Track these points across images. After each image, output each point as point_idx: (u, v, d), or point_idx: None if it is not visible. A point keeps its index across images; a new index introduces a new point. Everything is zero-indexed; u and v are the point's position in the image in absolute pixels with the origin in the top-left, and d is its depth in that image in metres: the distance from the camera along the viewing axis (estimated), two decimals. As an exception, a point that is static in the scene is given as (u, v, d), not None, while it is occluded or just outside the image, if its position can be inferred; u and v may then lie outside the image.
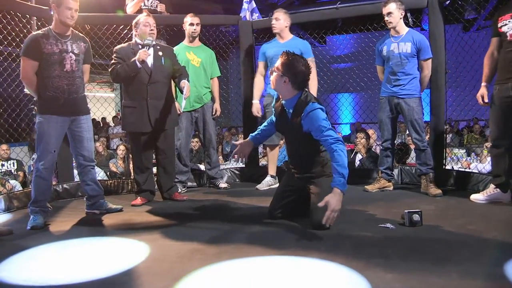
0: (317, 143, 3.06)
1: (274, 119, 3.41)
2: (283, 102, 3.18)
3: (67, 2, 3.36)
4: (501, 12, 3.58)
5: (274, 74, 3.06)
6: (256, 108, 4.69)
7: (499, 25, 3.53)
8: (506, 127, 3.61)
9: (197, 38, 4.81)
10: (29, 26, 4.37)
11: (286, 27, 4.59)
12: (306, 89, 3.12)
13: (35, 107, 3.65)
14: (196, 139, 6.98)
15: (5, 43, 4.28)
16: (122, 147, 7.03)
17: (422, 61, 4.18)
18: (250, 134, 3.56)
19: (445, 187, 4.34)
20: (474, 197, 3.78)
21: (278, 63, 3.04)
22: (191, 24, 4.69)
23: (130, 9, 5.25)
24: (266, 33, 4.71)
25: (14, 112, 4.74)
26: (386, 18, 4.19)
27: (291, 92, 3.05)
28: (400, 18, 4.18)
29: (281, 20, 4.56)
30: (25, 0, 4.38)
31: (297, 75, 2.99)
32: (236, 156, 3.47)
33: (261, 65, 4.75)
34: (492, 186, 3.73)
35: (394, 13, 4.13)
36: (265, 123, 3.52)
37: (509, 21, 3.45)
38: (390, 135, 4.38)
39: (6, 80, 4.53)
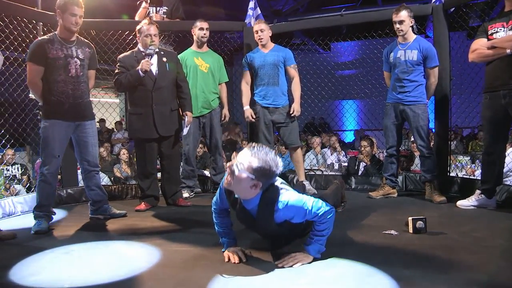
0: (300, 226, 2.54)
1: (225, 207, 2.63)
2: (241, 200, 2.47)
3: (71, 8, 3.39)
4: (493, 20, 3.63)
5: (240, 173, 2.28)
6: (249, 112, 4.75)
7: (490, 32, 3.58)
8: (499, 135, 3.66)
9: (205, 44, 4.84)
10: (35, 32, 4.40)
11: (270, 37, 4.67)
12: None
13: (40, 112, 3.67)
14: (200, 145, 6.99)
15: (11, 48, 4.31)
16: (125, 151, 7.06)
17: (429, 69, 4.18)
18: (225, 241, 2.61)
19: (449, 194, 4.33)
20: (460, 203, 3.81)
21: (246, 162, 2.29)
22: (201, 29, 4.73)
23: (137, 17, 5.30)
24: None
25: (19, 117, 4.76)
26: (397, 26, 4.18)
27: (254, 194, 2.36)
28: (410, 26, 4.19)
29: (265, 30, 4.66)
30: (31, 6, 4.42)
31: (271, 179, 2.35)
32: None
33: (247, 74, 4.85)
34: (478, 192, 3.77)
35: (406, 21, 4.14)
36: (220, 217, 2.64)
37: (500, 29, 3.51)
38: (395, 142, 4.38)
39: (12, 85, 4.55)
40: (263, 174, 2.28)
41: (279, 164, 2.34)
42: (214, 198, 2.63)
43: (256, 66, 4.69)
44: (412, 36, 4.23)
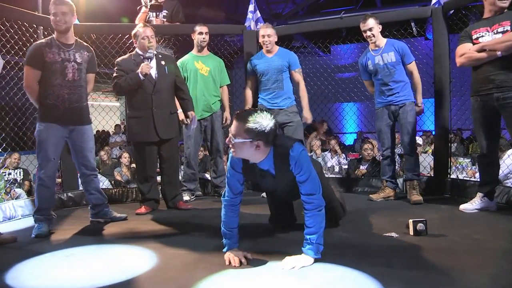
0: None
1: (239, 188, 2.66)
2: (256, 164, 2.58)
3: (51, 8, 3.39)
4: (475, 26, 3.66)
5: (237, 141, 2.39)
6: None
7: (474, 36, 3.61)
8: (492, 136, 3.69)
9: (205, 47, 4.85)
10: (35, 36, 4.41)
11: (275, 41, 4.65)
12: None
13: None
14: (201, 148, 6.98)
15: (12, 52, 4.32)
16: (126, 155, 7.05)
17: (408, 65, 4.25)
18: (227, 243, 2.62)
19: (450, 196, 4.33)
20: (463, 207, 3.79)
21: (238, 129, 2.39)
22: (200, 33, 4.74)
23: (137, 21, 5.31)
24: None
25: (20, 121, 4.77)
26: (367, 34, 4.28)
27: (264, 153, 2.48)
28: (379, 32, 4.29)
29: (272, 36, 4.62)
30: (32, 10, 4.42)
31: (269, 134, 2.41)
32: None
33: (251, 80, 4.81)
34: (480, 194, 3.77)
35: (374, 27, 4.25)
36: (229, 212, 2.65)
37: (485, 33, 3.55)
38: (390, 143, 4.42)
39: (13, 89, 4.56)
40: (257, 133, 2.37)
41: (268, 116, 2.41)
42: (225, 189, 2.66)
43: (260, 71, 4.66)
44: (383, 41, 4.32)
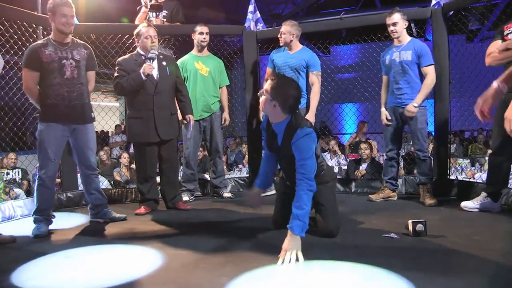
0: None
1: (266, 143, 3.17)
2: (272, 124, 2.93)
3: (61, 9, 3.37)
4: (508, 21, 3.56)
5: (263, 97, 2.76)
6: None
7: (506, 32, 3.51)
8: (510, 138, 3.57)
9: (205, 48, 4.84)
10: (35, 36, 4.40)
11: (291, 40, 4.55)
12: (297, 111, 2.87)
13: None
14: (200, 148, 6.98)
15: (12, 52, 4.31)
16: (125, 155, 7.05)
17: (424, 68, 4.13)
18: (255, 181, 3.27)
19: (449, 197, 4.32)
20: (465, 204, 3.77)
21: (267, 85, 2.74)
22: (201, 33, 4.73)
23: (137, 22, 5.31)
24: (270, 43, 4.73)
25: (19, 121, 4.76)
26: (391, 28, 4.21)
27: (280, 116, 2.78)
28: (404, 28, 4.21)
29: (286, 34, 4.54)
30: (31, 10, 4.42)
31: (287, 100, 2.71)
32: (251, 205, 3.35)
33: (269, 71, 4.75)
34: (483, 194, 3.72)
35: (399, 23, 4.17)
36: (263, 161, 3.26)
37: None
38: (395, 145, 4.38)
39: (12, 89, 4.55)
40: (277, 94, 2.69)
41: (295, 87, 2.74)
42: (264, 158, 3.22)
43: (278, 65, 4.60)
44: (407, 39, 4.24)
